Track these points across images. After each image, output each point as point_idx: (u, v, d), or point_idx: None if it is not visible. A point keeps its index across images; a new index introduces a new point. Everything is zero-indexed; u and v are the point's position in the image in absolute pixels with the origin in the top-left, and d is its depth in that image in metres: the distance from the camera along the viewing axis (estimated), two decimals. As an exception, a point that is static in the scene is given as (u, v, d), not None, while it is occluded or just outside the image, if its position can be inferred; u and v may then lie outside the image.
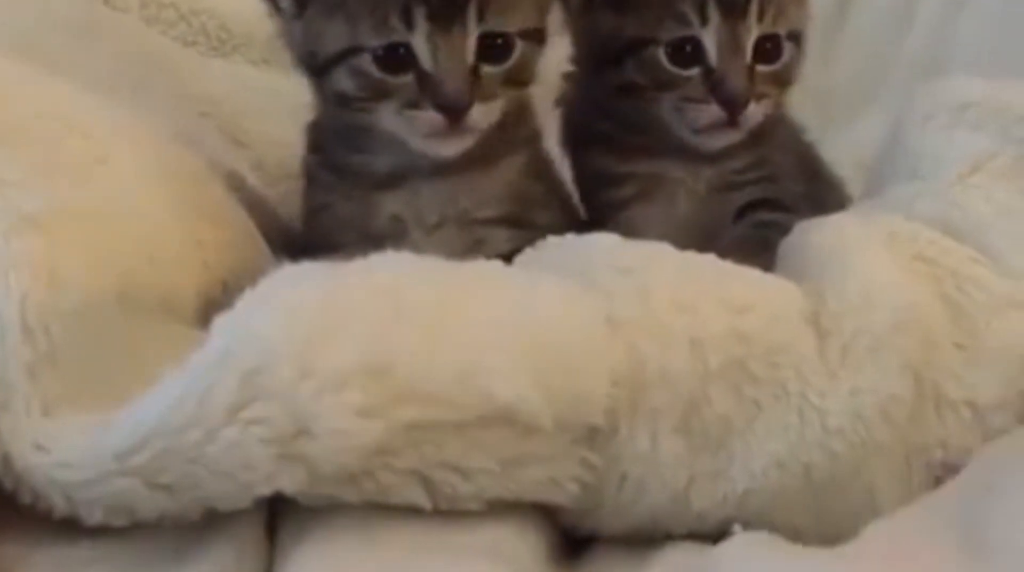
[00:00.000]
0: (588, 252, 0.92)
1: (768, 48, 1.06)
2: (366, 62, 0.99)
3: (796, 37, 1.09)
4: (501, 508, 0.84)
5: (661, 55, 1.05)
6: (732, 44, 1.04)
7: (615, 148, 1.11)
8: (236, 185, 1.13)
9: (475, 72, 0.99)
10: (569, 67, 1.16)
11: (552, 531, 0.87)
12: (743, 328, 0.87)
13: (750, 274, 0.93)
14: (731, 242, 0.96)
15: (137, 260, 0.91)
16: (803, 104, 1.17)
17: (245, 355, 0.78)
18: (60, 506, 0.80)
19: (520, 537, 0.84)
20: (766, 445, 0.87)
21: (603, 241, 0.93)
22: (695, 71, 1.05)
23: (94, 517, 0.80)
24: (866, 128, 1.30)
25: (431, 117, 0.99)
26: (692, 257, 0.92)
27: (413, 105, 0.99)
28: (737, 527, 0.85)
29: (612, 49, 1.07)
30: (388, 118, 1.00)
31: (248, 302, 0.81)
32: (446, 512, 0.82)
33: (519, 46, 1.01)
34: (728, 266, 0.92)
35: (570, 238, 0.94)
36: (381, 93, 0.99)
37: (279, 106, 1.26)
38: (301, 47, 1.03)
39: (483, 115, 1.00)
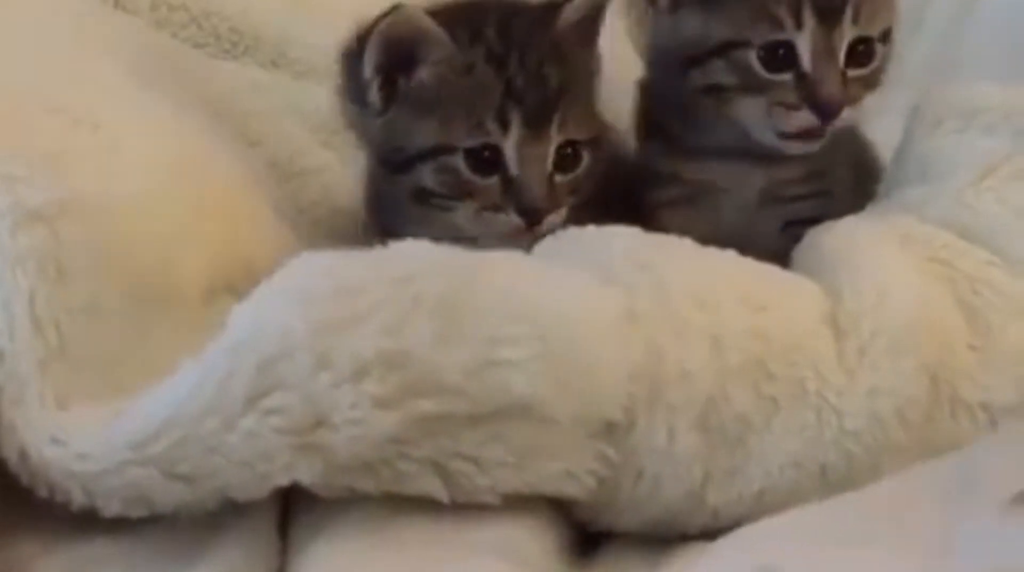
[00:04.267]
0: (608, 245, 0.91)
1: (860, 51, 1.04)
2: (457, 161, 1.01)
3: (887, 35, 1.06)
4: (516, 504, 0.83)
5: (753, 58, 1.02)
6: (827, 48, 1.01)
7: (674, 148, 1.09)
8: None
9: (551, 179, 1.02)
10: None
11: (567, 527, 0.87)
12: (762, 326, 0.87)
13: (771, 271, 0.93)
14: (771, 255, 0.96)
15: (146, 251, 0.91)
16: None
17: (263, 345, 0.78)
18: (78, 498, 0.80)
19: (535, 534, 0.84)
20: (783, 444, 0.87)
21: (623, 234, 0.93)
22: (787, 76, 1.02)
23: (112, 508, 0.79)
24: (874, 132, 1.30)
25: (511, 220, 1.01)
26: (713, 253, 0.92)
27: (494, 208, 1.01)
28: None
29: (699, 51, 1.04)
30: (465, 217, 1.02)
31: (265, 291, 0.81)
32: (461, 509, 0.82)
33: (586, 156, 1.04)
34: (749, 263, 0.92)
35: (591, 229, 0.94)
36: (465, 192, 1.02)
37: (288, 107, 1.27)
38: (382, 141, 1.05)
39: (553, 222, 1.02)
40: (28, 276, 0.84)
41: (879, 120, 1.36)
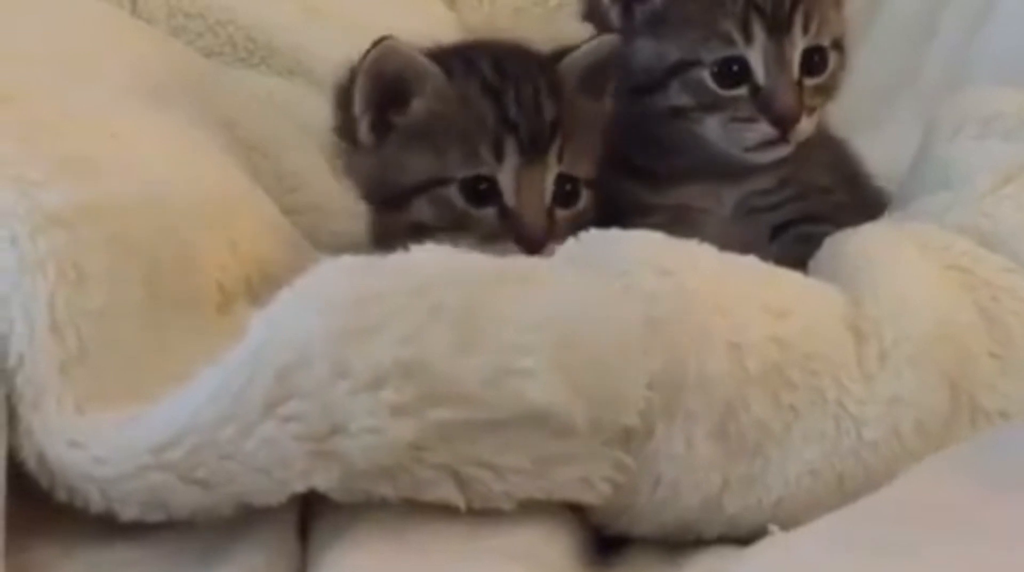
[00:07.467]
0: (631, 250, 0.91)
1: (815, 61, 1.05)
2: (452, 193, 1.02)
3: (838, 44, 1.08)
4: (533, 509, 0.83)
5: (706, 76, 1.04)
6: (779, 60, 1.03)
7: (648, 179, 1.10)
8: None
9: (551, 212, 1.03)
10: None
11: (583, 531, 0.87)
12: (782, 333, 0.87)
13: (792, 277, 0.92)
14: (774, 258, 0.95)
15: (164, 255, 0.91)
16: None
17: (281, 352, 0.78)
18: (96, 502, 0.80)
19: (552, 539, 0.84)
20: (802, 453, 0.86)
21: (646, 239, 0.93)
22: (743, 90, 1.04)
23: (129, 512, 0.79)
24: (889, 139, 1.29)
25: (510, 251, 1.00)
26: (735, 259, 0.92)
27: (493, 238, 1.01)
28: (773, 527, 0.85)
29: (655, 75, 1.06)
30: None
31: (285, 299, 0.81)
32: (479, 514, 0.82)
33: (584, 194, 1.05)
34: (771, 269, 0.92)
35: (614, 233, 0.94)
36: (462, 224, 1.02)
37: (304, 116, 1.27)
38: (374, 178, 1.06)
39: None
40: (48, 280, 0.84)
41: (891, 128, 1.36)
